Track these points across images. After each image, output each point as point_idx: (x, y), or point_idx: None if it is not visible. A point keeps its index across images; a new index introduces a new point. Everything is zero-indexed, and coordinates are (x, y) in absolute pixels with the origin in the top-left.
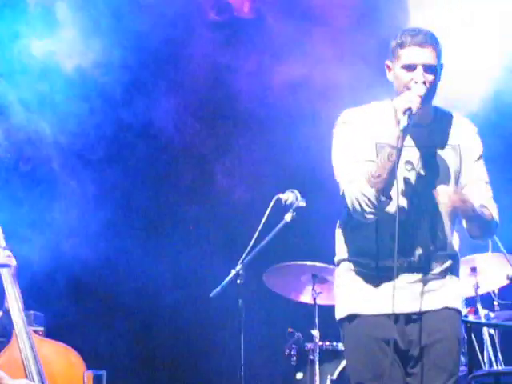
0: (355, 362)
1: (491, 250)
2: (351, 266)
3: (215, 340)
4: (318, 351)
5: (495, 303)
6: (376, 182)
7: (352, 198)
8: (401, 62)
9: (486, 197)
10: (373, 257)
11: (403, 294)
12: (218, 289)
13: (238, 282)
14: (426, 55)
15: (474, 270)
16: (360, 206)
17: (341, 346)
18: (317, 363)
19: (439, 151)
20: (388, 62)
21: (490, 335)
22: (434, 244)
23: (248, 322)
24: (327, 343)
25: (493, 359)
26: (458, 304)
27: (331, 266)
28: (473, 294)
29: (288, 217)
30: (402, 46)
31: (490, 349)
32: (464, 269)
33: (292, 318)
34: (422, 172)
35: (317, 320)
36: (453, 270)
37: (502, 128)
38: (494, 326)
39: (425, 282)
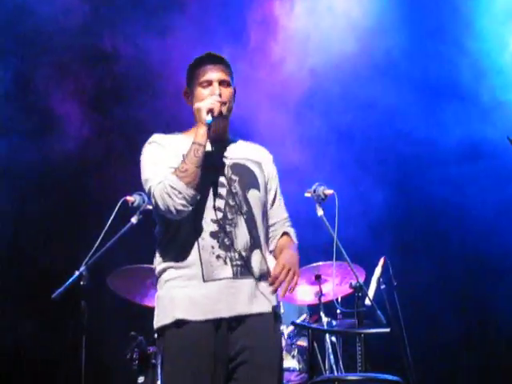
0: (172, 371)
1: (335, 259)
2: (173, 271)
3: (57, 342)
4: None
5: (338, 311)
6: (183, 176)
7: (162, 194)
8: (198, 80)
9: (286, 219)
10: (195, 256)
11: (227, 297)
12: (60, 289)
13: (82, 283)
14: (219, 72)
15: (318, 277)
16: (171, 198)
17: None
18: (159, 367)
19: (246, 163)
20: (186, 90)
21: (332, 343)
22: (251, 241)
23: (90, 324)
24: None
25: (334, 366)
26: (277, 306)
27: None
28: (316, 301)
29: (134, 219)
30: (197, 66)
31: (332, 356)
32: (308, 276)
33: (135, 322)
34: (234, 177)
35: None
36: (269, 270)
37: None
38: (336, 333)
39: (247, 284)
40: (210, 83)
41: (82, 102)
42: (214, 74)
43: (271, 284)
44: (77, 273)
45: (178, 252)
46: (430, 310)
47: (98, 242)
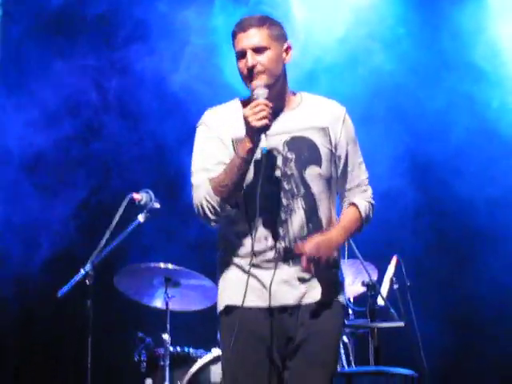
0: (229, 358)
1: (347, 257)
2: (229, 258)
3: (63, 341)
4: (168, 357)
5: (350, 311)
6: (222, 191)
7: (197, 203)
8: (235, 52)
9: (361, 184)
10: (249, 246)
11: (279, 286)
12: (66, 288)
13: (87, 282)
14: (251, 38)
15: None
16: (204, 212)
17: (192, 352)
18: (167, 369)
19: (306, 134)
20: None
21: (344, 343)
22: (308, 227)
23: (97, 325)
24: (178, 349)
25: (346, 366)
26: (338, 295)
27: (186, 269)
28: None
29: (141, 217)
30: (233, 37)
31: (344, 357)
32: None
33: (143, 323)
34: (290, 156)
35: (168, 325)
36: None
37: None
38: (348, 327)
39: (301, 271)
40: (243, 55)
41: None
42: (244, 42)
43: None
44: (82, 271)
45: (233, 243)
46: (443, 309)
47: (104, 240)
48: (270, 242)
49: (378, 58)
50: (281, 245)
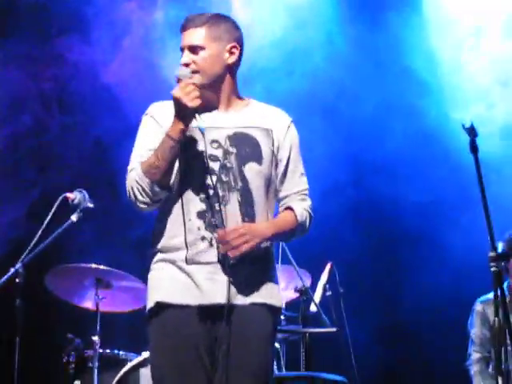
0: (158, 359)
1: (281, 262)
2: (160, 251)
3: None
4: (97, 359)
5: (282, 317)
6: (153, 173)
7: (128, 186)
8: None
9: (299, 192)
10: (181, 236)
11: (211, 283)
12: None
13: (17, 280)
14: (188, 37)
15: None
16: (134, 194)
17: (122, 354)
18: (95, 371)
19: (249, 132)
20: None
21: (275, 349)
22: (243, 221)
23: (26, 325)
24: (108, 350)
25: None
26: (272, 298)
27: (117, 270)
28: None
29: (74, 217)
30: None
31: (275, 362)
32: None
33: (73, 324)
34: (231, 150)
35: (98, 327)
36: (266, 256)
37: None
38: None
39: (234, 268)
40: (182, 52)
41: None
42: (183, 40)
43: (217, 241)
44: (12, 270)
45: (166, 235)
46: (375, 317)
47: (35, 239)
48: (203, 231)
49: (314, 59)
50: (213, 236)
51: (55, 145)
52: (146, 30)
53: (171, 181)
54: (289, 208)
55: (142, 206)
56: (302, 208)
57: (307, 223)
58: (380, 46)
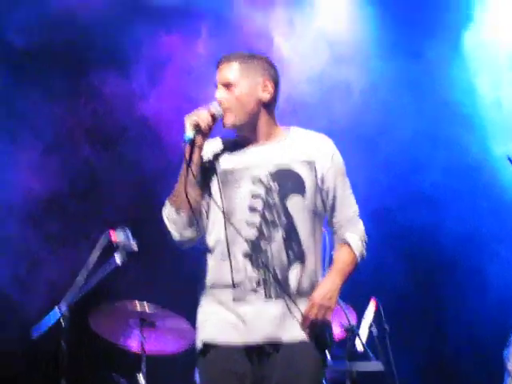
0: None
1: None
2: (208, 293)
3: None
4: None
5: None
6: (175, 200)
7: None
8: None
9: (351, 217)
10: (228, 275)
11: (259, 322)
12: (42, 329)
13: (62, 324)
14: (221, 74)
15: None
16: (166, 226)
17: None
18: None
19: (291, 166)
20: None
21: None
22: (289, 257)
23: (70, 366)
24: None
25: None
26: (321, 334)
27: (162, 309)
28: None
29: (118, 258)
30: None
31: None
32: None
33: (118, 364)
34: (273, 186)
35: (143, 367)
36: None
37: None
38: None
39: (281, 305)
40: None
41: None
42: (218, 76)
43: (302, 324)
44: (57, 310)
45: (213, 274)
46: (422, 353)
47: (80, 280)
48: (250, 272)
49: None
50: (260, 275)
51: (101, 180)
52: (186, 63)
53: (197, 207)
54: (345, 243)
55: (177, 238)
56: (357, 240)
57: (364, 251)
58: (420, 79)
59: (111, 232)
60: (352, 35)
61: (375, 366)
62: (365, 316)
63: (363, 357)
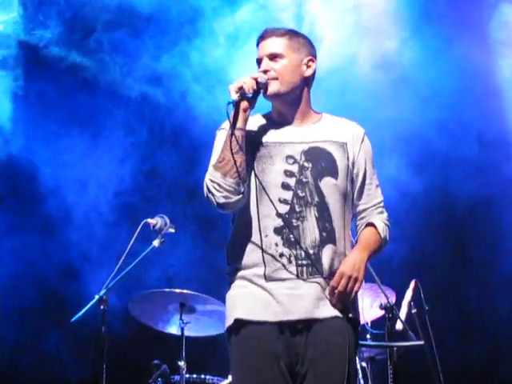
0: (240, 377)
1: (365, 280)
2: (239, 271)
3: (73, 370)
4: None
5: (368, 336)
6: (221, 166)
7: (205, 189)
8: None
9: (376, 205)
10: (259, 255)
11: (292, 299)
12: (80, 314)
13: (102, 307)
14: (267, 46)
15: None
16: (211, 193)
17: (208, 379)
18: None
19: (325, 146)
20: None
21: (362, 368)
22: (321, 236)
23: (111, 351)
24: (194, 375)
25: None
26: (352, 311)
27: (201, 294)
28: None
29: (156, 242)
30: (257, 47)
31: (362, 381)
32: None
33: (158, 349)
34: (306, 165)
35: (184, 352)
36: None
37: None
38: (365, 346)
39: (313, 283)
40: (260, 62)
41: None
42: (262, 49)
43: (330, 295)
44: (97, 297)
45: (243, 252)
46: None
47: (118, 265)
48: (281, 248)
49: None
50: (292, 252)
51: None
52: None
53: (242, 172)
54: (370, 224)
55: (222, 201)
56: (382, 223)
57: (388, 237)
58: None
59: (149, 219)
60: None
61: (416, 343)
62: (405, 296)
63: (403, 336)
